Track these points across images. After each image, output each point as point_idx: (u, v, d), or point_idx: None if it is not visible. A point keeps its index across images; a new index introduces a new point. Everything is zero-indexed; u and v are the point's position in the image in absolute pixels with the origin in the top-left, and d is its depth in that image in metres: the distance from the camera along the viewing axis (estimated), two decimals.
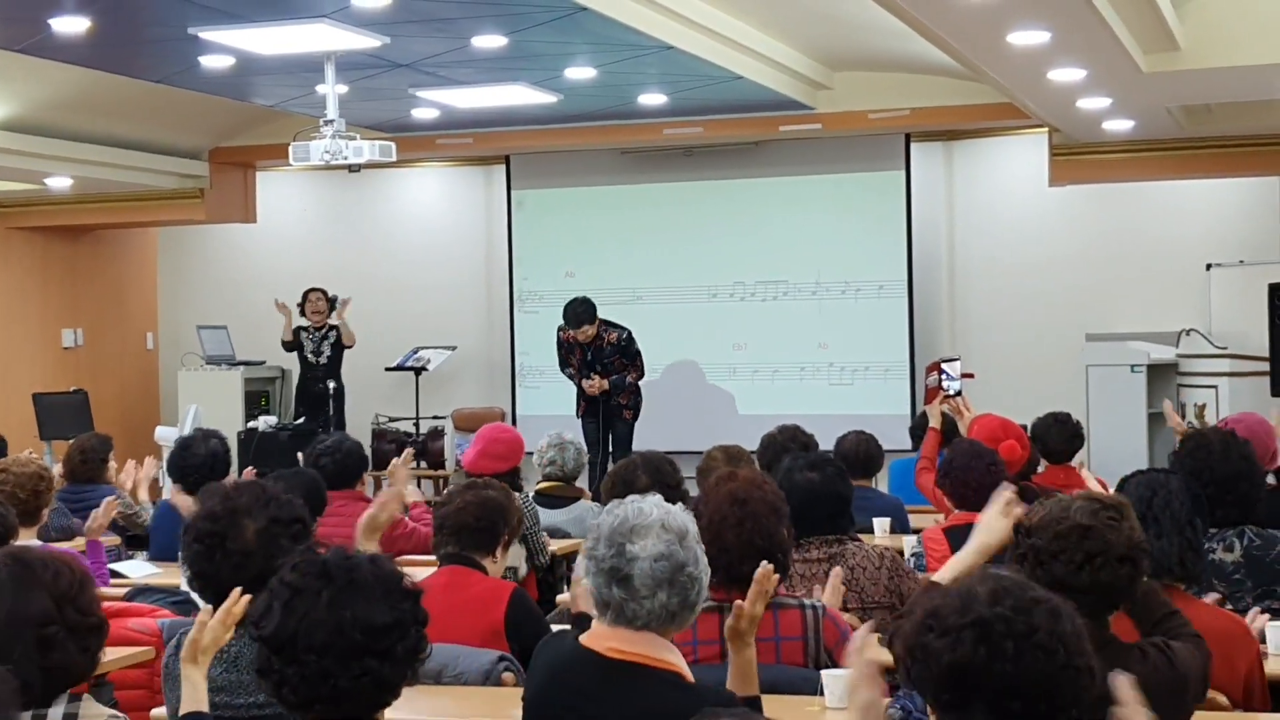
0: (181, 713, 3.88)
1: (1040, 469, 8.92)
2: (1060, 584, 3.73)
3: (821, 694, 4.47)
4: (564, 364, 12.86)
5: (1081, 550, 3.76)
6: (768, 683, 4.59)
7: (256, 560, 4.11)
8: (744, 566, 4.60)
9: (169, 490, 8.61)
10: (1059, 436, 9.31)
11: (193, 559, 4.25)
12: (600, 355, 12.66)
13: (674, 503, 4.35)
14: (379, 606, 3.11)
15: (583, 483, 8.86)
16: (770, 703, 4.50)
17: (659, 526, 3.68)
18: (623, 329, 12.81)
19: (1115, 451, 12.23)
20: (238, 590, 4.18)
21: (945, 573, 4.33)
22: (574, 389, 12.93)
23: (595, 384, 12.57)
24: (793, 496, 5.73)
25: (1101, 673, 3.60)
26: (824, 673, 4.49)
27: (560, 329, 12.83)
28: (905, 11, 7.77)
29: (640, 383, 12.84)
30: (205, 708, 3.89)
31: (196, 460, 8.08)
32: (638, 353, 12.77)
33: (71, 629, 3.48)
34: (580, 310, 12.61)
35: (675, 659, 3.70)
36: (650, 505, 3.75)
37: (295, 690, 3.10)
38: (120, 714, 3.62)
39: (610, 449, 12.67)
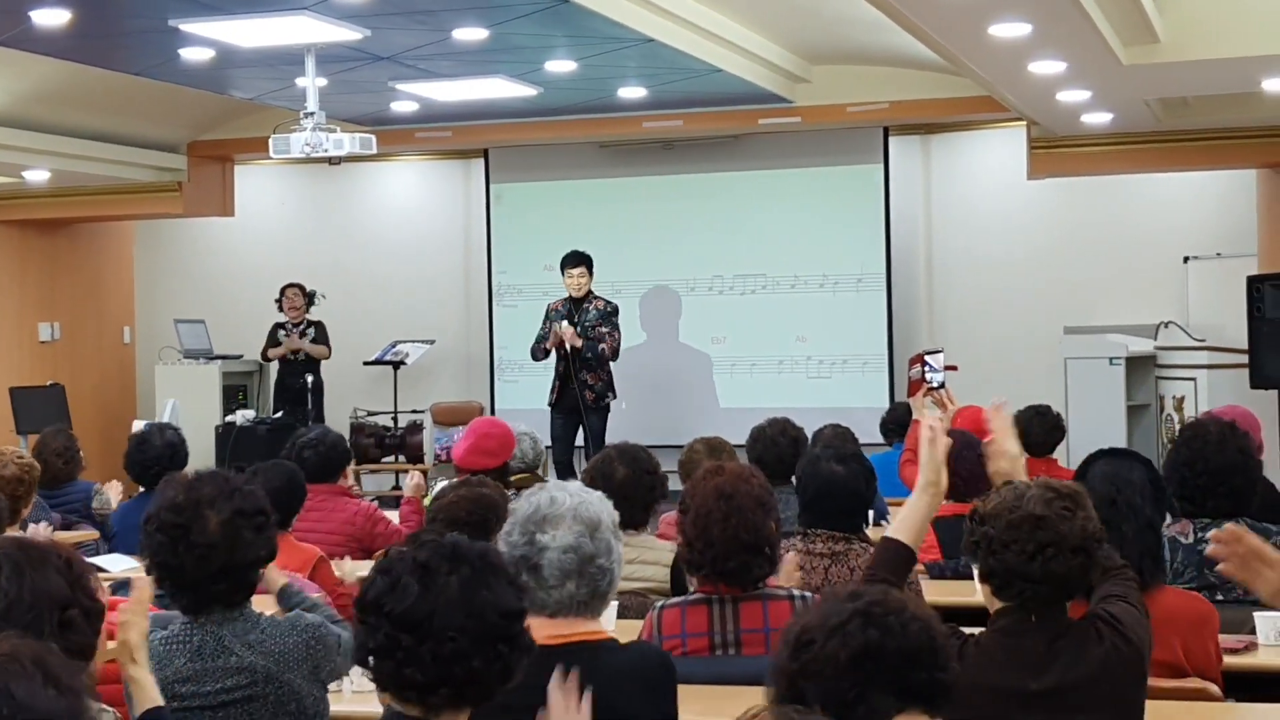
0: (138, 714, 3.82)
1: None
2: (1012, 573, 3.78)
3: None
4: (539, 339, 12.84)
5: (1033, 540, 3.75)
6: (757, 675, 4.59)
7: (220, 553, 4.06)
8: (730, 561, 4.62)
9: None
10: (1040, 429, 9.36)
11: (155, 549, 4.15)
12: (584, 317, 12.68)
13: (654, 492, 4.40)
14: (509, 591, 3.10)
15: (547, 473, 8.84)
16: (759, 695, 4.51)
17: (570, 517, 3.71)
18: (612, 301, 12.91)
19: (1094, 443, 12.12)
20: (142, 576, 4.14)
21: (898, 527, 4.31)
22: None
23: (568, 331, 12.56)
24: (811, 485, 5.74)
25: (1074, 657, 3.67)
26: None
27: (550, 305, 12.89)
28: (887, 4, 7.78)
29: (615, 373, 12.84)
30: (160, 702, 3.85)
31: (154, 453, 8.06)
32: (617, 326, 12.82)
33: (85, 612, 3.46)
34: (579, 252, 12.80)
35: (603, 628, 3.80)
36: (565, 494, 3.78)
37: (425, 670, 3.03)
38: (109, 708, 3.61)
39: (585, 444, 12.65)
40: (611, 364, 12.80)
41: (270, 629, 4.14)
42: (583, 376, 12.66)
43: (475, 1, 9.23)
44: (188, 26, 9.39)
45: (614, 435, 12.98)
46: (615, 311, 12.88)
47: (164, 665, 4.10)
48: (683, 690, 3.92)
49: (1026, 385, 12.59)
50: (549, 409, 12.85)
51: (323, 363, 14.50)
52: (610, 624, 5.32)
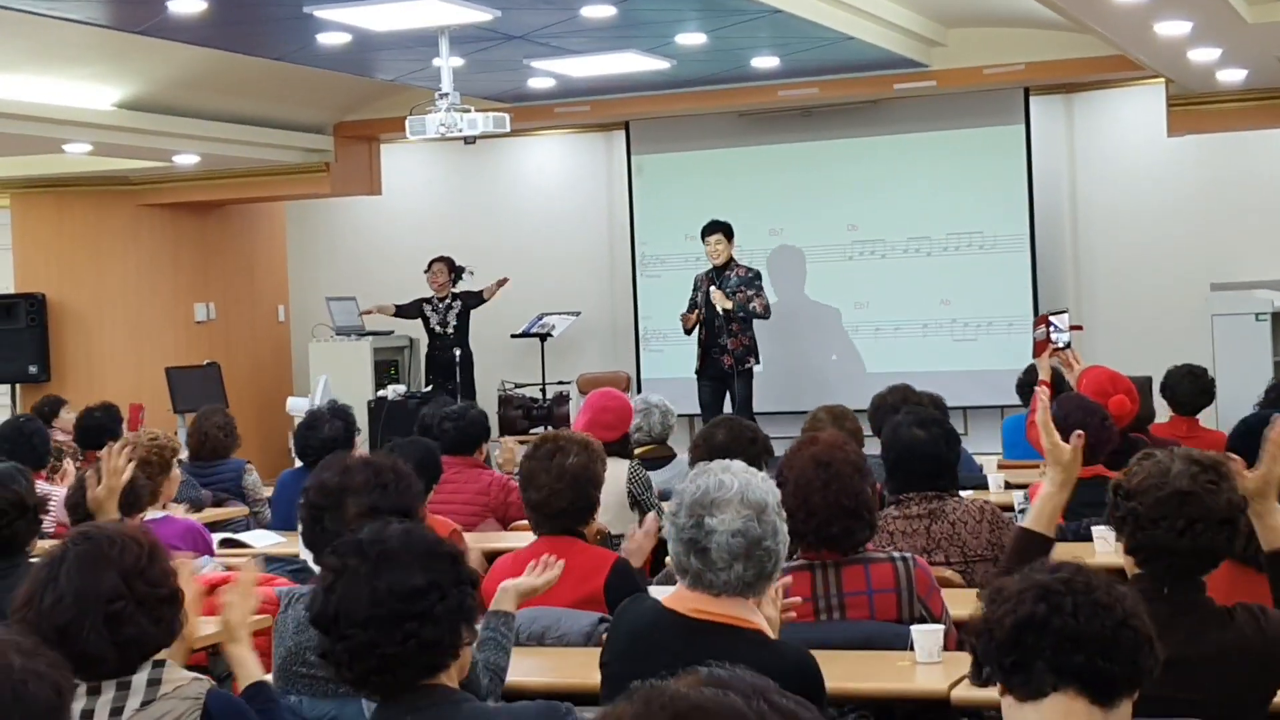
0: (242, 689, 3.99)
1: (1158, 420, 8.90)
2: (1161, 548, 3.78)
3: (911, 649, 4.55)
4: (689, 308, 13.02)
5: (1183, 516, 3.75)
6: (861, 639, 4.69)
7: None
8: (832, 527, 4.70)
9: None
10: (1190, 389, 9.28)
11: (303, 524, 4.45)
12: (725, 284, 12.82)
13: (754, 463, 4.47)
14: (412, 571, 3.21)
15: (678, 443, 8.91)
16: (862, 659, 4.60)
17: (738, 500, 3.75)
18: (753, 267, 13.10)
19: (1241, 401, 12.10)
20: (249, 562, 4.33)
21: (1031, 516, 4.33)
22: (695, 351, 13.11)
23: (717, 294, 12.71)
24: (893, 451, 5.82)
25: (1192, 633, 3.67)
26: (914, 628, 4.57)
27: (697, 276, 13.08)
28: None
29: (762, 330, 12.97)
30: (263, 676, 4.02)
31: (317, 441, 8.23)
32: (761, 289, 13.00)
33: (141, 602, 3.59)
34: (716, 221, 13.01)
35: (757, 619, 3.80)
36: (731, 477, 3.80)
37: (349, 666, 3.20)
38: (203, 676, 3.76)
39: (732, 410, 12.75)
40: (758, 323, 13.00)
41: None
42: (722, 341, 12.80)
43: None
44: (322, 12, 9.56)
45: (762, 401, 13.10)
46: (758, 276, 13.05)
47: (302, 630, 4.30)
48: None
49: (1172, 342, 12.53)
50: (695, 377, 13.02)
51: (470, 337, 14.71)
52: None
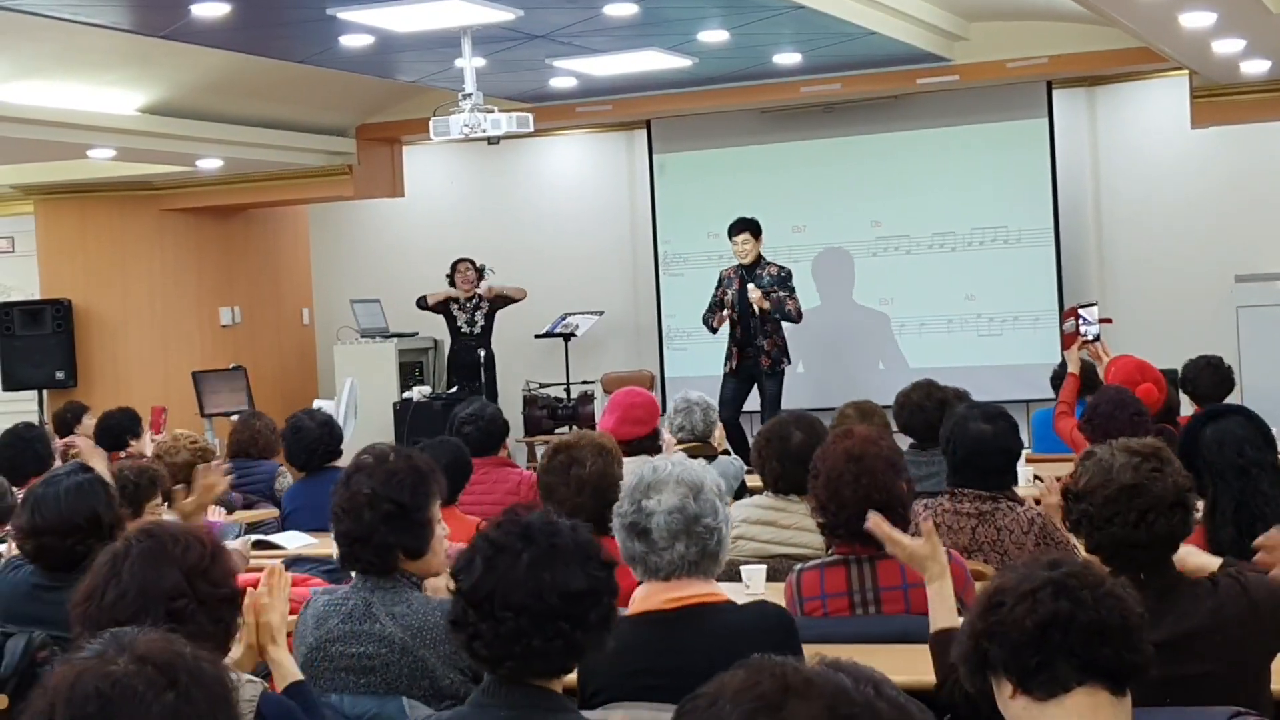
0: (281, 689, 3.96)
1: (1182, 413, 8.88)
2: (1120, 543, 3.83)
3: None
4: (710, 308, 12.97)
5: (1134, 509, 3.80)
6: (897, 632, 4.67)
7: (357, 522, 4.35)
8: (863, 522, 4.69)
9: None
10: (1210, 381, 9.24)
11: (334, 521, 4.46)
12: (758, 283, 12.79)
13: None
14: (576, 572, 3.19)
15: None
16: (899, 652, 4.58)
17: (674, 481, 3.89)
18: (785, 266, 13.02)
19: (1267, 393, 12.10)
20: (277, 564, 4.33)
21: (937, 616, 4.26)
22: (721, 351, 13.05)
23: (755, 294, 12.66)
24: (961, 446, 5.78)
25: (1182, 611, 3.71)
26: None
27: (723, 272, 13.03)
28: None
29: (792, 336, 12.93)
30: (300, 677, 4.01)
31: (309, 438, 8.28)
32: (793, 290, 12.93)
33: (202, 601, 3.58)
34: (743, 219, 12.92)
35: (723, 593, 3.94)
36: (666, 463, 3.96)
37: (488, 645, 3.17)
38: (258, 679, 3.77)
39: (761, 409, 12.73)
40: (793, 325, 12.96)
41: (417, 604, 4.30)
42: (759, 343, 12.77)
43: None
44: (345, 14, 9.58)
45: (793, 399, 13.06)
46: (789, 276, 12.98)
47: (321, 624, 4.33)
48: (825, 650, 3.99)
49: (1197, 335, 12.47)
50: (724, 375, 12.98)
51: (494, 337, 14.73)
52: (760, 587, 5.43)
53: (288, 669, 4.01)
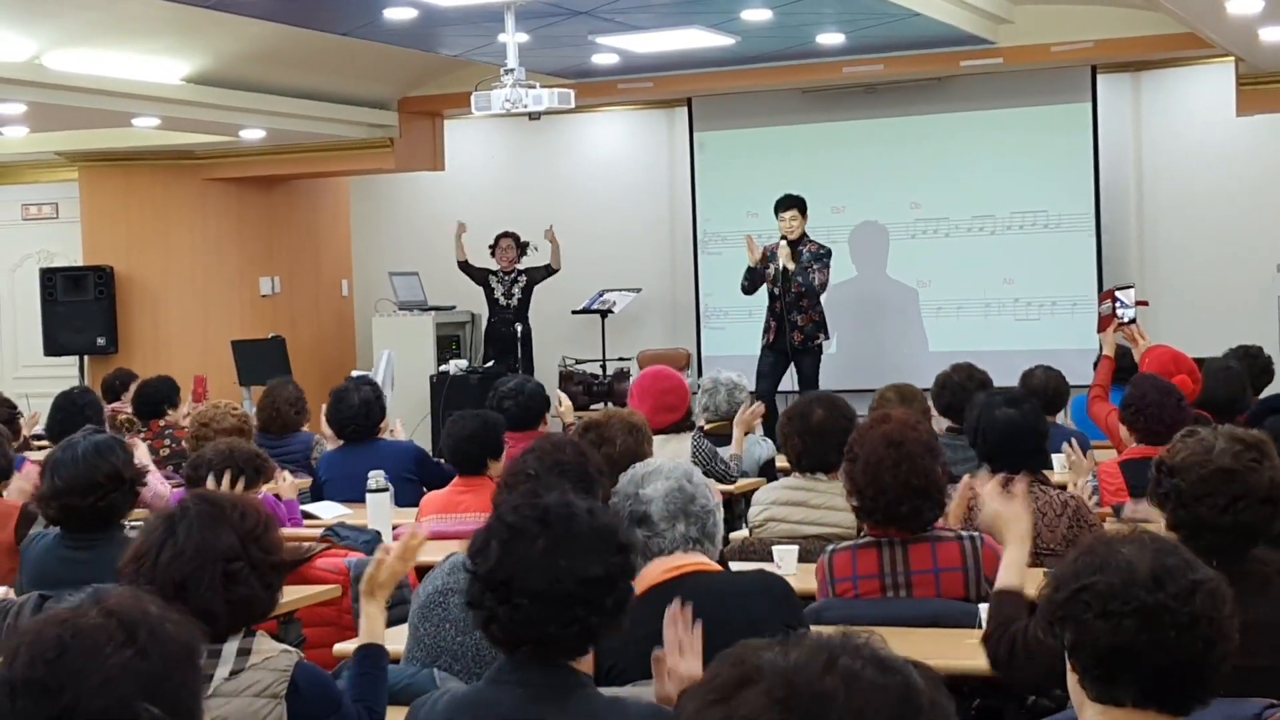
0: (359, 644, 4.03)
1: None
2: (1203, 524, 3.79)
3: (980, 626, 4.55)
4: (746, 274, 13.08)
5: (1226, 494, 3.77)
6: (928, 616, 4.69)
7: None
8: (901, 506, 4.71)
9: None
10: (1247, 371, 9.18)
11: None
12: (799, 259, 12.83)
13: (849, 438, 4.62)
14: (593, 558, 3.18)
15: None
16: (930, 635, 4.61)
17: (665, 470, 4.12)
18: (826, 245, 13.11)
19: None
20: (420, 526, 4.36)
21: (1005, 576, 4.30)
22: (758, 329, 13.10)
23: (784, 250, 12.77)
24: (991, 433, 5.79)
25: (1247, 601, 3.66)
26: (983, 606, 4.56)
27: (766, 247, 13.07)
28: None
29: (825, 310, 12.98)
30: (382, 640, 4.03)
31: (350, 410, 8.33)
32: (828, 266, 13.00)
33: (255, 566, 3.67)
34: (792, 195, 13.03)
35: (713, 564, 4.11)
36: (655, 460, 4.25)
37: (504, 629, 3.18)
38: (293, 649, 3.81)
39: (798, 387, 12.74)
40: (821, 299, 12.97)
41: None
42: (793, 317, 12.81)
43: None
44: None
45: (827, 379, 13.08)
46: (829, 254, 13.03)
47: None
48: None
49: (1238, 323, 12.43)
50: (761, 348, 13.02)
51: (531, 312, 14.75)
52: (792, 567, 5.46)
53: (371, 626, 4.05)
